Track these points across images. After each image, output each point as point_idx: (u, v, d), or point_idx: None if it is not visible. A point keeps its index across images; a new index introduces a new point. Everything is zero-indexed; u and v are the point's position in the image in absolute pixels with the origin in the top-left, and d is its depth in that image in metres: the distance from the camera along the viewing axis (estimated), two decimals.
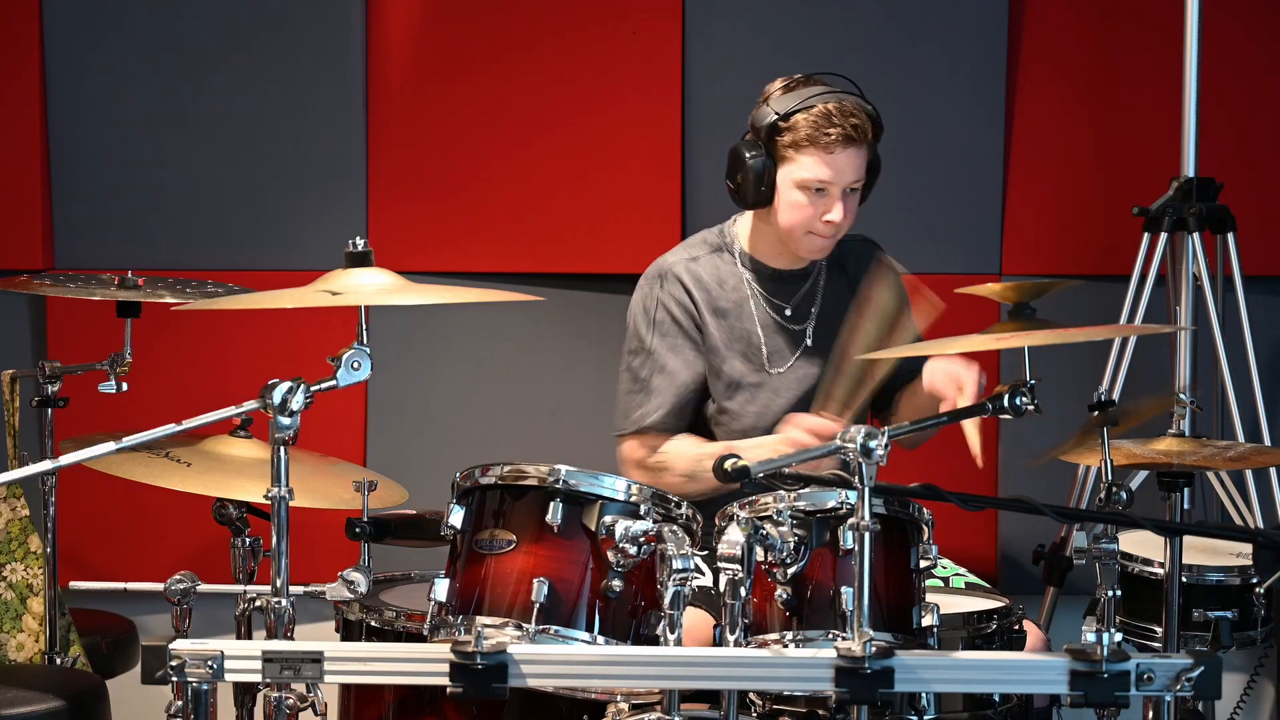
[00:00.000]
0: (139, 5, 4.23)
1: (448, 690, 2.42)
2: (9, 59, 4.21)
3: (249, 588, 2.89)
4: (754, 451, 3.15)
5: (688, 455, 3.26)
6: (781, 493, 2.67)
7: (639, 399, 3.33)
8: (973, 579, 3.29)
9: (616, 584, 2.62)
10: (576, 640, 2.61)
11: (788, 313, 3.37)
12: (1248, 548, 3.57)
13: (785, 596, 2.65)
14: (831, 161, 3.22)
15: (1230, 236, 3.97)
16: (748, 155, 3.26)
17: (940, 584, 3.25)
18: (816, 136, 3.21)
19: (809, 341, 3.37)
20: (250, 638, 2.92)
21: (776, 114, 3.23)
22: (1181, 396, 3.48)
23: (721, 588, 2.48)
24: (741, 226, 3.41)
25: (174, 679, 2.42)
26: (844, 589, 2.57)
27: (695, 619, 3.02)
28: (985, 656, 2.85)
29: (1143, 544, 3.54)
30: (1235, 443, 3.82)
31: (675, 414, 3.32)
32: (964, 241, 4.22)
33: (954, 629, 2.94)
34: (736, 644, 2.48)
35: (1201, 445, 3.26)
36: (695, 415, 3.37)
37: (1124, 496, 2.84)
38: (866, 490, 2.42)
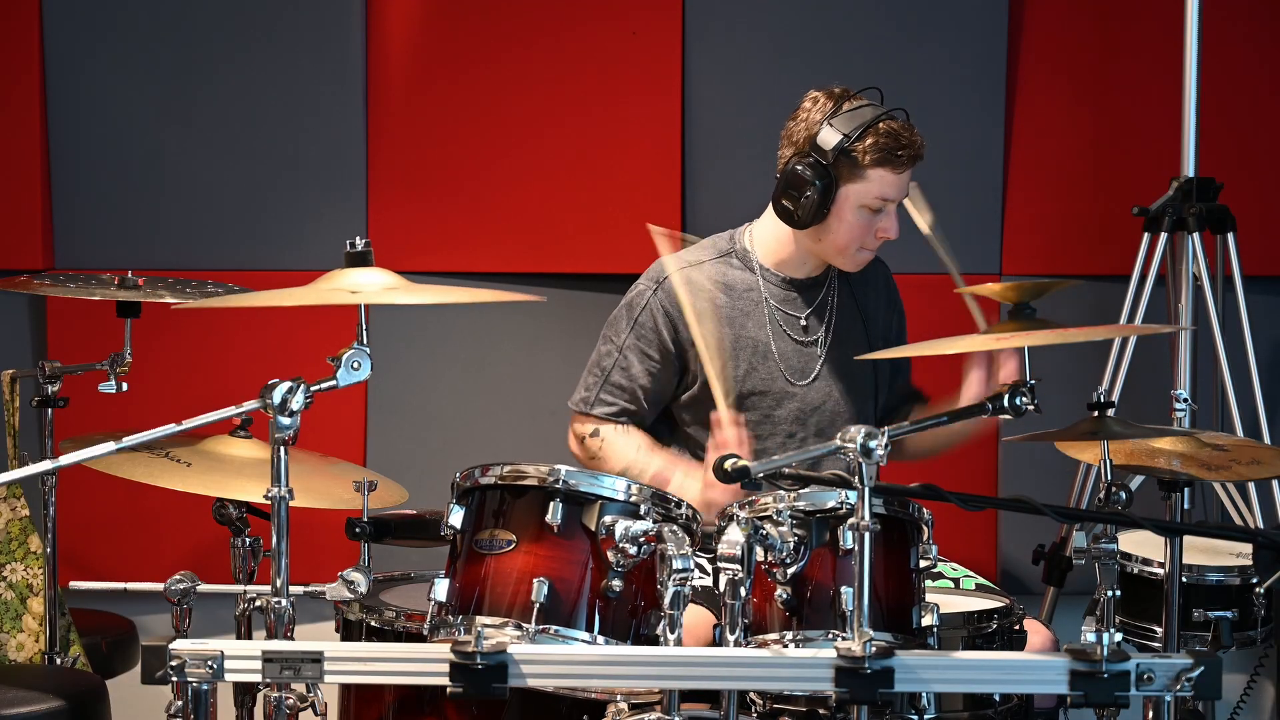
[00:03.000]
0: (139, 5, 4.23)
1: (448, 690, 2.42)
2: (9, 59, 4.21)
3: (249, 588, 2.88)
4: (689, 483, 3.18)
5: (626, 456, 3.29)
6: (781, 493, 2.67)
7: (591, 381, 3.36)
8: (982, 580, 3.29)
9: (616, 584, 2.62)
10: (576, 640, 2.61)
11: (803, 323, 3.37)
12: (1248, 548, 3.57)
13: (785, 596, 2.65)
14: (899, 180, 3.26)
15: (1230, 236, 3.97)
16: (812, 175, 3.24)
17: (950, 585, 3.25)
18: (887, 158, 3.22)
19: (823, 353, 3.36)
20: (250, 638, 2.92)
21: (845, 135, 3.22)
22: (1179, 396, 3.47)
23: (721, 588, 2.48)
24: (758, 235, 3.39)
25: (174, 679, 2.42)
26: (844, 589, 2.57)
27: (695, 616, 3.02)
28: (985, 656, 2.85)
29: (1143, 544, 3.55)
30: (1230, 436, 3.82)
31: (625, 416, 3.34)
32: (964, 241, 4.20)
33: (954, 629, 2.94)
34: (736, 644, 2.48)
35: (1200, 446, 3.26)
36: (648, 425, 3.37)
37: (1124, 496, 2.84)
38: (866, 490, 2.42)
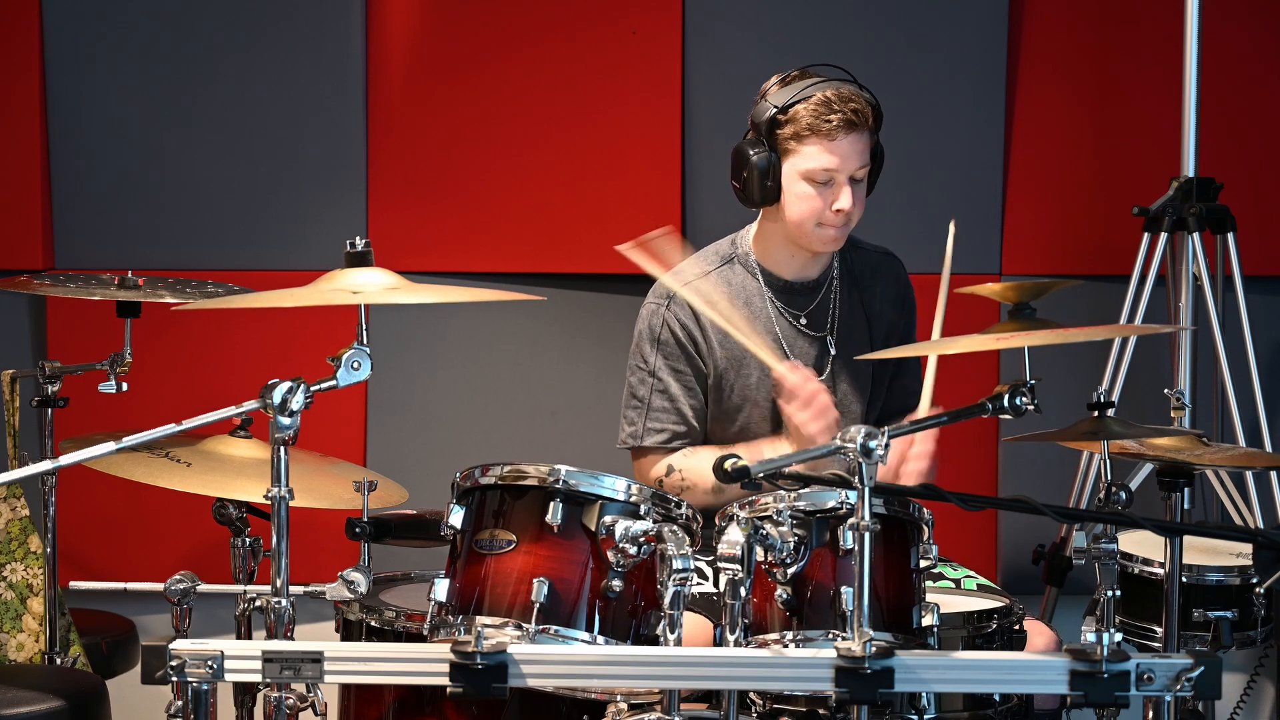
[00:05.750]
0: (139, 5, 4.23)
1: (448, 690, 2.42)
2: (9, 59, 4.21)
3: (249, 588, 2.88)
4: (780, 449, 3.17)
5: (710, 471, 3.23)
6: (781, 493, 2.67)
7: (634, 415, 3.31)
8: (984, 581, 3.29)
9: (616, 584, 2.61)
10: (576, 640, 2.61)
11: (804, 321, 3.36)
12: (1248, 548, 3.57)
13: (785, 596, 2.65)
14: (835, 148, 3.21)
15: (1230, 236, 3.97)
16: (751, 153, 3.25)
17: (951, 585, 3.25)
18: (817, 125, 3.19)
19: (833, 351, 3.36)
20: (250, 638, 2.92)
21: (775, 107, 3.22)
22: (1178, 394, 3.47)
23: (721, 588, 2.48)
24: (754, 239, 3.39)
25: (174, 679, 2.42)
26: (844, 589, 2.57)
27: (694, 625, 3.01)
28: (985, 656, 2.85)
29: (1143, 544, 3.55)
30: (1235, 446, 3.83)
31: (677, 439, 3.30)
32: (964, 241, 4.20)
33: (954, 629, 2.94)
34: (736, 644, 2.48)
35: (1204, 445, 3.26)
36: (702, 437, 3.34)
37: (1124, 496, 2.84)
38: (866, 490, 2.42)
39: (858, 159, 3.23)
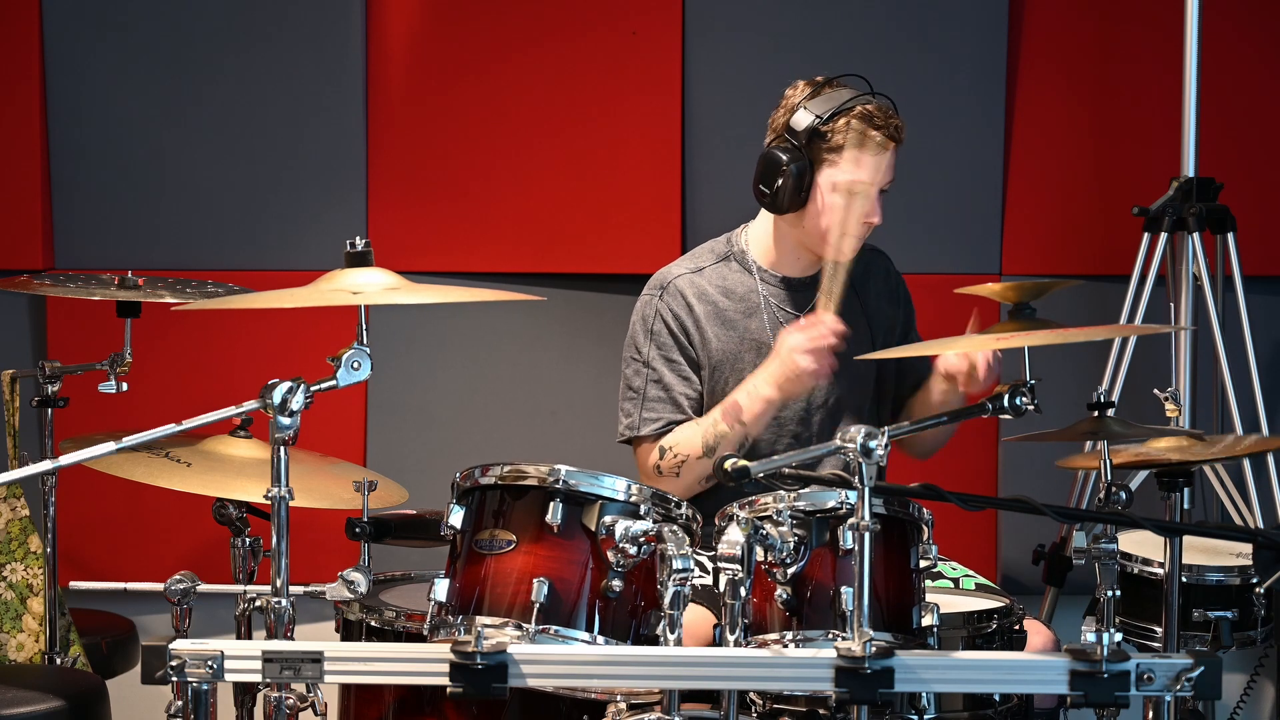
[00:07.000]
0: (139, 5, 4.23)
1: (448, 690, 2.42)
2: (9, 59, 4.21)
3: (249, 588, 2.89)
4: (758, 384, 3.19)
5: (697, 436, 3.25)
6: (781, 493, 2.67)
7: (630, 407, 3.33)
8: (982, 580, 3.29)
9: (616, 584, 2.62)
10: (576, 640, 2.61)
11: (802, 321, 3.36)
12: (1248, 548, 3.57)
13: (785, 596, 2.65)
14: (874, 163, 3.23)
15: (1230, 236, 3.97)
16: (786, 159, 3.25)
17: (950, 585, 3.25)
18: (862, 139, 3.21)
19: None
20: (250, 638, 2.92)
21: (817, 117, 3.23)
22: (1171, 394, 3.47)
23: (721, 588, 2.48)
24: (753, 235, 3.40)
25: (174, 679, 2.42)
26: (844, 589, 2.57)
27: (695, 616, 3.02)
28: (985, 656, 2.85)
29: (1143, 544, 3.55)
30: (1229, 435, 3.83)
31: (673, 426, 3.31)
32: (964, 241, 4.22)
33: (954, 629, 2.94)
34: (736, 644, 2.48)
35: (1199, 442, 3.26)
36: None
37: (1124, 496, 2.84)
38: (866, 490, 2.42)
39: (889, 173, 3.27)
